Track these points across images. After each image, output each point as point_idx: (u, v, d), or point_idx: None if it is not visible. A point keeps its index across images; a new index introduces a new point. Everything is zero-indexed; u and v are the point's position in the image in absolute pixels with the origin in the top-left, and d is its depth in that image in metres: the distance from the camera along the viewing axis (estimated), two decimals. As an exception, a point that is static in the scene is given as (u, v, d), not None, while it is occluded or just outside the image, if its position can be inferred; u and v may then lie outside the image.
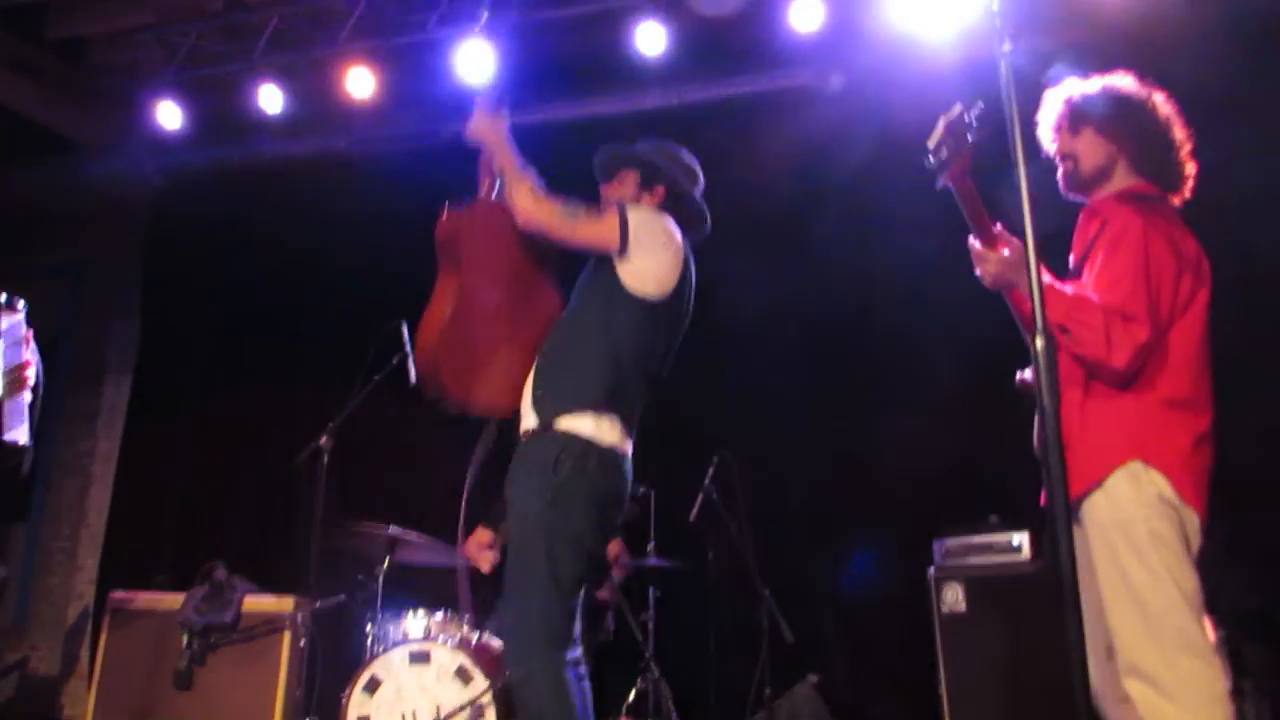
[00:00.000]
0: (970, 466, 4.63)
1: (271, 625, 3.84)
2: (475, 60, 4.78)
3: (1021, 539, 3.84)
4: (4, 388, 2.92)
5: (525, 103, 5.10)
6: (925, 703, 4.01)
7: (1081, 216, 2.41)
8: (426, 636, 3.83)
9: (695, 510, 4.33)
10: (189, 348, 6.37)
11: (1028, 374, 2.42)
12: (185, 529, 6.08)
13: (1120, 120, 2.37)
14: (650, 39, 4.81)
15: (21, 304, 3.09)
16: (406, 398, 4.08)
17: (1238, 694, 2.19)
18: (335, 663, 4.18)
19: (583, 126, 5.37)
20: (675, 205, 2.85)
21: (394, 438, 5.29)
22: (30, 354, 3.09)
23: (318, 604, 3.96)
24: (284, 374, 5.74)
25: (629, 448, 2.66)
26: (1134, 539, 2.13)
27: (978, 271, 2.29)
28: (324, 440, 4.08)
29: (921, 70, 4.47)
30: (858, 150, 4.76)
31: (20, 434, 2.95)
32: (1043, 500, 2.19)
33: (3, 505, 6.35)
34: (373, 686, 3.68)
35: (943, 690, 3.80)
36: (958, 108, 1.99)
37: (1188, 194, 2.42)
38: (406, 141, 5.65)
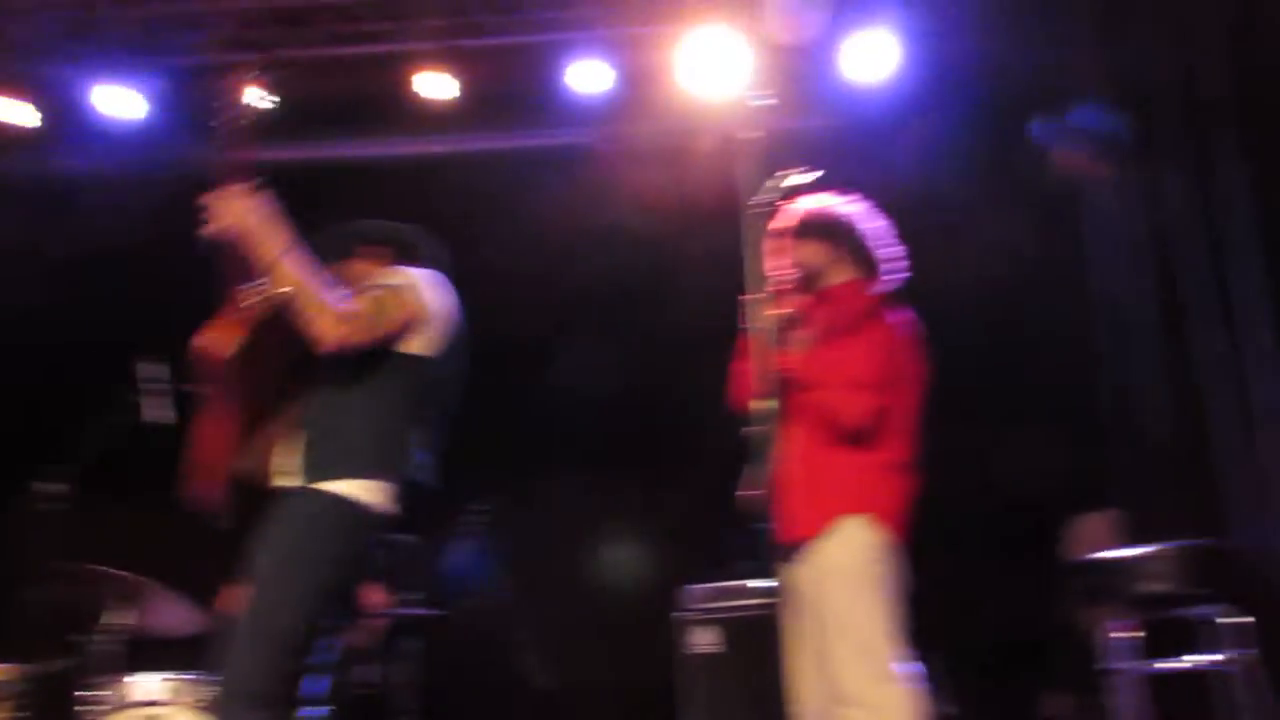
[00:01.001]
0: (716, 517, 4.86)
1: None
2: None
3: (765, 584, 4.04)
4: None
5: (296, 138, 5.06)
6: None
7: (812, 300, 2.73)
8: (159, 700, 3.56)
9: (459, 558, 4.32)
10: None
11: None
12: None
13: (834, 229, 2.77)
14: (436, 86, 4.90)
15: None
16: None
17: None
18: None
19: (361, 167, 5.34)
20: (408, 255, 2.79)
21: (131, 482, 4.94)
22: None
23: (31, 669, 3.62)
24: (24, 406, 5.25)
25: (393, 508, 2.56)
26: (858, 582, 2.47)
27: None
28: (54, 486, 3.79)
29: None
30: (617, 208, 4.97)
31: None
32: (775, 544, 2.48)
33: None
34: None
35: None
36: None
37: (896, 277, 2.81)
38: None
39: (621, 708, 4.95)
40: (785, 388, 2.52)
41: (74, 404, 3.89)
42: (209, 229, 2.36)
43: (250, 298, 2.46)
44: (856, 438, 2.52)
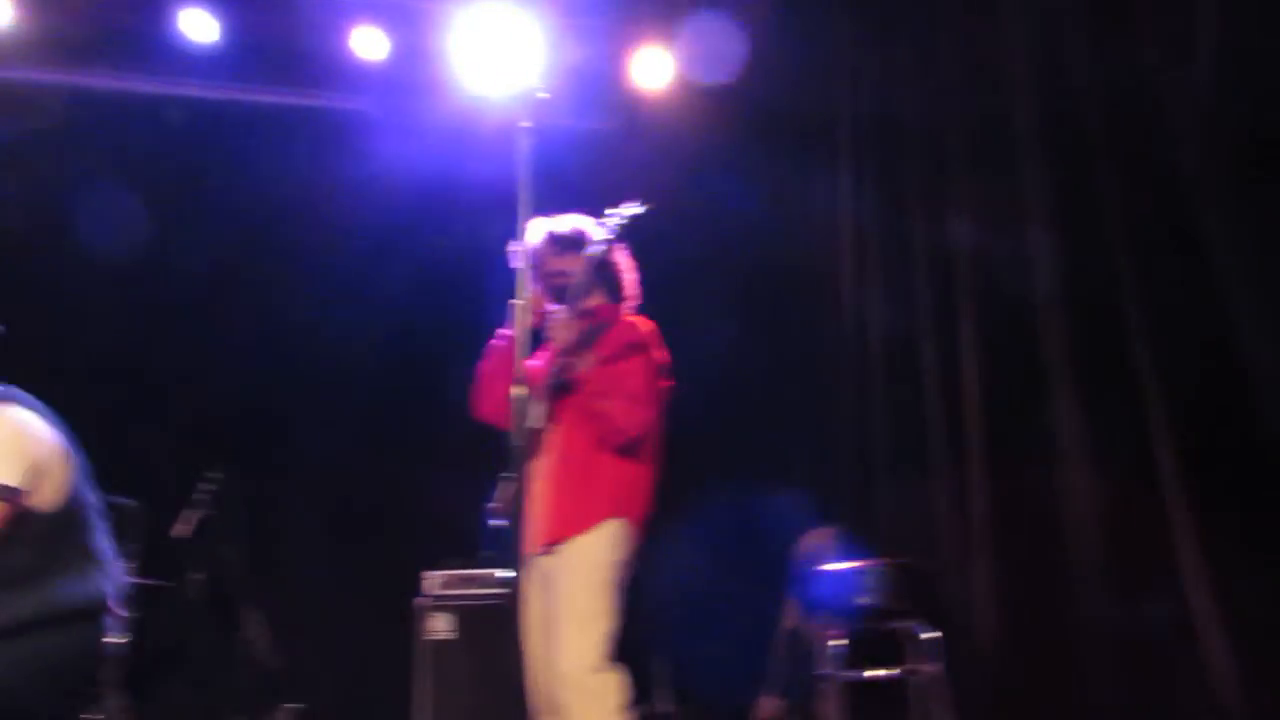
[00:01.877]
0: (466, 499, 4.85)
1: None
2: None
3: (510, 574, 4.06)
4: None
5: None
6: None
7: (571, 315, 2.78)
8: None
9: (187, 527, 4.09)
10: None
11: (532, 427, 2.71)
12: None
13: (592, 248, 2.82)
14: (199, 27, 4.67)
15: None
16: None
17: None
18: None
19: (113, 99, 4.95)
20: None
21: None
22: None
23: None
24: None
25: None
26: (602, 578, 2.62)
27: None
28: None
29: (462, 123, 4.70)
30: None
31: None
32: (525, 542, 2.58)
33: None
34: None
35: (425, 716, 3.90)
36: None
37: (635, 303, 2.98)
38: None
39: (360, 692, 4.85)
40: (558, 393, 2.68)
41: None
42: None
43: None
44: (629, 447, 2.67)
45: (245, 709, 4.12)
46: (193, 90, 4.91)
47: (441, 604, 4.01)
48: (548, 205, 2.76)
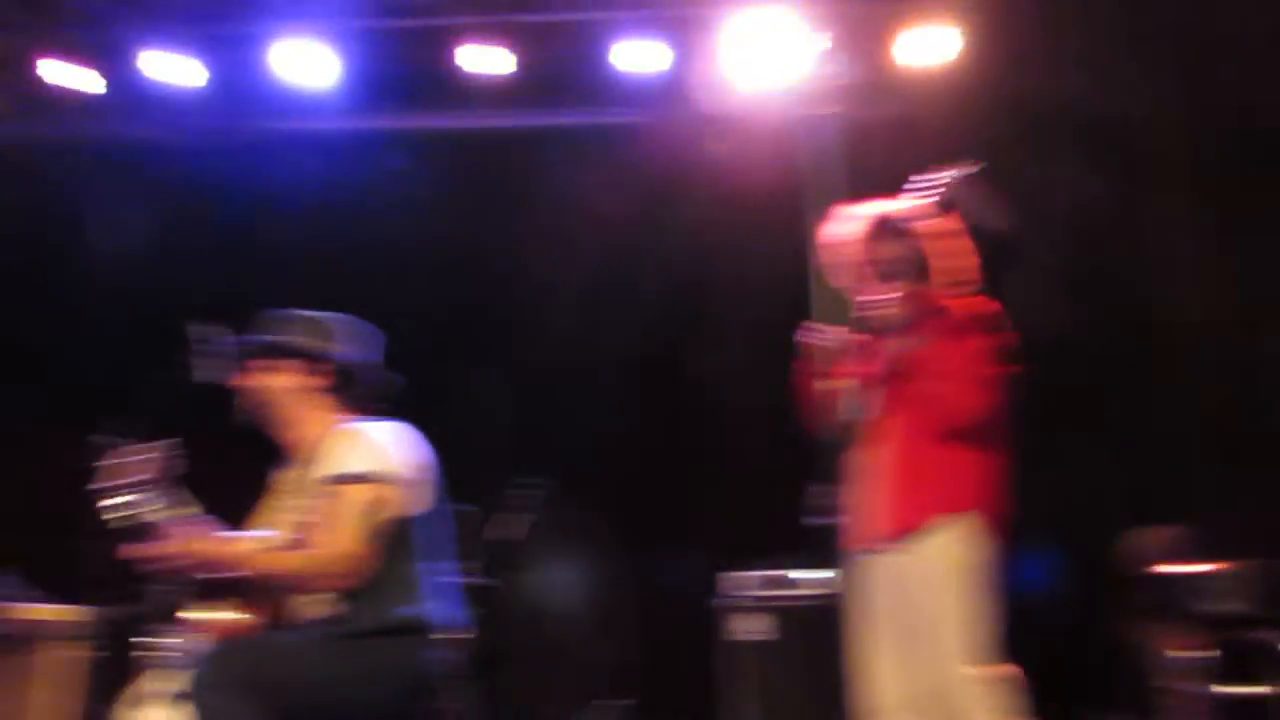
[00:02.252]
0: (763, 502, 4.88)
1: (50, 636, 3.64)
2: (304, 60, 4.80)
3: (813, 574, 4.04)
4: None
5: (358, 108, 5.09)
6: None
7: (910, 302, 2.65)
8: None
9: (516, 530, 4.37)
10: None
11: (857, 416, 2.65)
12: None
13: (917, 232, 2.69)
14: (488, 60, 4.92)
15: None
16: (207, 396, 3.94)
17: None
18: (121, 676, 3.99)
19: (413, 139, 5.36)
20: (346, 382, 2.65)
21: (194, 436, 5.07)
22: None
23: (104, 613, 3.78)
24: (70, 368, 5.42)
25: None
26: (959, 582, 2.44)
27: None
28: (113, 438, 3.90)
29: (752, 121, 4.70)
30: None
31: None
32: (854, 538, 2.53)
33: None
34: (138, 702, 3.52)
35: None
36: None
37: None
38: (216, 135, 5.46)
39: (662, 690, 5.00)
40: (886, 381, 2.55)
41: (138, 362, 3.98)
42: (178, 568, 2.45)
43: None
44: (969, 434, 2.50)
45: (573, 704, 4.33)
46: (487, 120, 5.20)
47: (747, 604, 4.04)
48: (841, 196, 2.69)
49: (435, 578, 2.65)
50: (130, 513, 2.25)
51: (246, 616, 2.49)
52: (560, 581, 4.40)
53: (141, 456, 2.25)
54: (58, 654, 3.67)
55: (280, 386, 2.57)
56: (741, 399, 4.97)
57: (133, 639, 3.90)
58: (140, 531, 2.31)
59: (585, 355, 5.16)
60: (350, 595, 2.48)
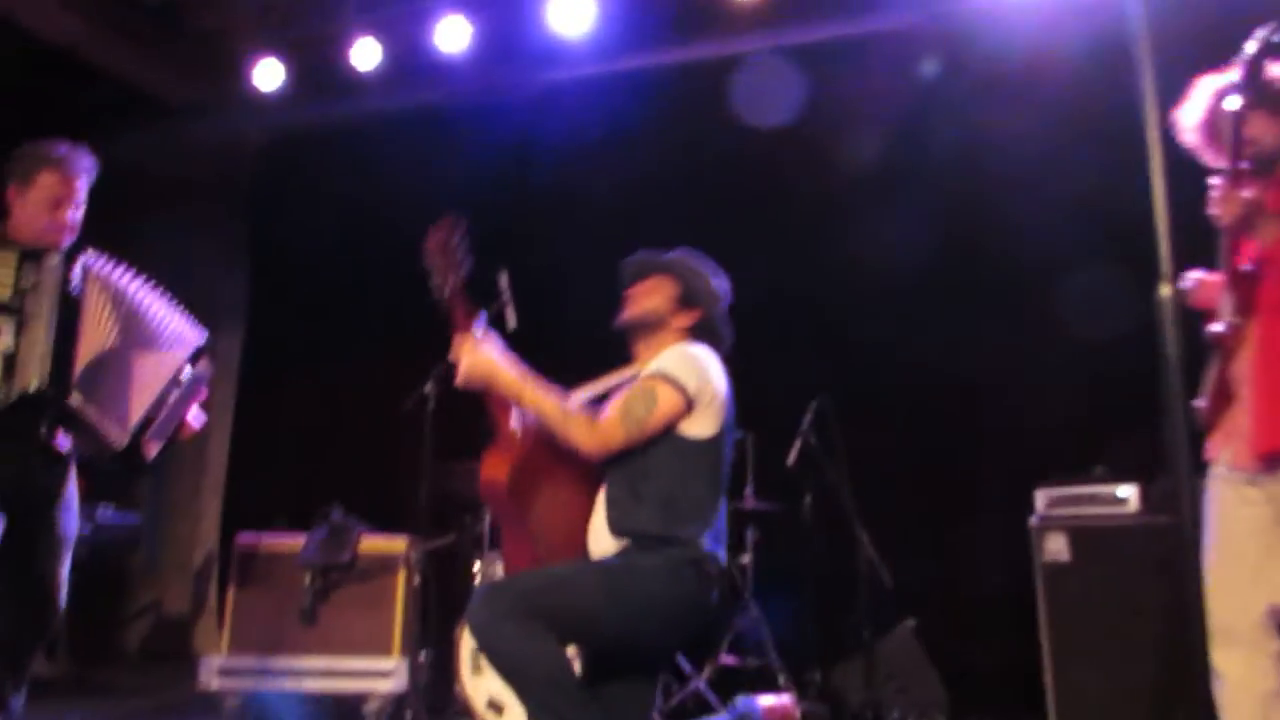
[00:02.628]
0: (1079, 416, 4.60)
1: (386, 564, 4.02)
2: (570, 9, 4.86)
3: (1129, 491, 3.77)
4: (171, 415, 3.15)
5: (623, 48, 5.17)
6: (1024, 653, 4.01)
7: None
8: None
9: (793, 454, 4.36)
10: (296, 300, 6.58)
11: (1219, 327, 2.39)
12: (300, 474, 6.34)
13: None
14: None
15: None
16: (509, 343, 4.21)
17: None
18: (446, 599, 4.37)
19: (678, 71, 5.38)
20: (706, 330, 2.76)
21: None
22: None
23: (428, 544, 4.12)
24: (390, 322, 5.91)
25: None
26: None
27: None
28: (429, 386, 4.24)
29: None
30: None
31: (155, 449, 3.17)
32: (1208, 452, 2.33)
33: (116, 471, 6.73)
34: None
35: (1044, 640, 3.78)
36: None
37: None
38: (499, 94, 5.71)
39: (974, 613, 4.86)
40: (1252, 282, 2.30)
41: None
42: (459, 382, 2.54)
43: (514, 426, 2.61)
44: None
45: (865, 625, 4.30)
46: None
47: (1061, 523, 3.83)
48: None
49: (722, 503, 2.68)
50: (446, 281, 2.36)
51: (501, 464, 2.56)
52: (847, 503, 4.34)
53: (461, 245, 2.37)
54: (395, 579, 4.04)
55: (653, 308, 2.72)
56: (1039, 303, 4.69)
57: (458, 564, 4.31)
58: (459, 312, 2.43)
59: (880, 268, 5.03)
60: (640, 517, 2.54)
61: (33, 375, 2.86)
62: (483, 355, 2.49)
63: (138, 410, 3.08)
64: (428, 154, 5.72)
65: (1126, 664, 3.58)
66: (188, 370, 3.22)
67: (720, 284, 2.80)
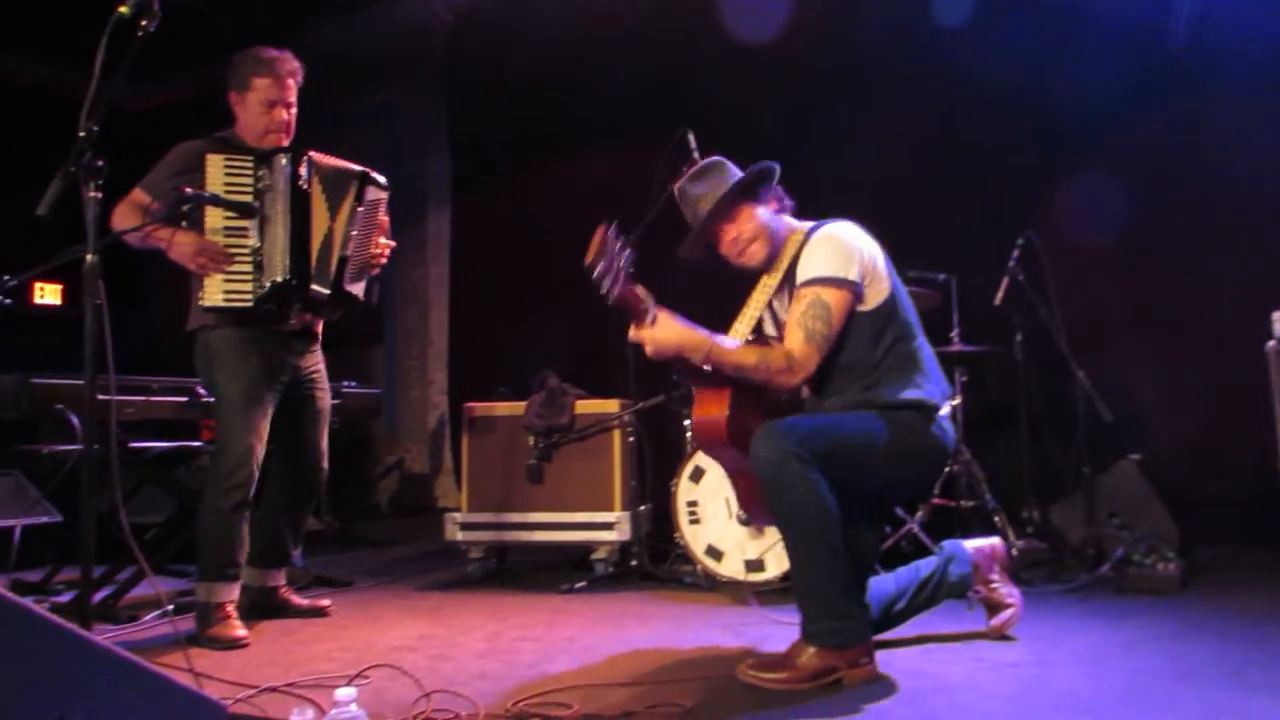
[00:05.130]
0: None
1: (602, 425, 4.24)
2: None
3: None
4: (354, 248, 3.35)
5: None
6: (1259, 485, 3.81)
7: None
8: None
9: (1001, 293, 4.23)
10: (497, 174, 6.81)
11: None
12: (514, 341, 6.69)
13: None
14: None
15: (383, 181, 3.48)
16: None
17: None
18: (659, 456, 4.58)
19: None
20: (782, 202, 2.85)
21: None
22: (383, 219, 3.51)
23: (639, 404, 4.30)
24: (588, 189, 6.03)
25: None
26: None
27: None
28: (628, 253, 4.33)
29: None
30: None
31: (359, 288, 3.41)
32: None
33: (364, 331, 7.30)
34: (697, 475, 4.02)
35: (1283, 468, 3.58)
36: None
37: None
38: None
39: (1204, 445, 4.65)
40: None
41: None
42: (650, 355, 2.58)
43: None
44: None
45: (1085, 462, 4.21)
46: None
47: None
48: None
49: (923, 342, 2.77)
50: (613, 284, 2.41)
51: (714, 408, 2.66)
52: (1060, 340, 4.20)
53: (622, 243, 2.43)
54: (611, 438, 4.27)
55: (749, 228, 2.77)
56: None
57: (675, 421, 4.49)
58: (623, 304, 2.49)
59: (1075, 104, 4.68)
60: (854, 383, 2.67)
61: (279, 268, 3.15)
62: (664, 331, 2.54)
63: (334, 259, 3.28)
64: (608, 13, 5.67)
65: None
66: (360, 205, 3.35)
67: (757, 167, 2.79)
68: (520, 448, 4.30)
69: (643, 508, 4.39)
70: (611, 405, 4.32)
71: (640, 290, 2.54)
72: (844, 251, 2.65)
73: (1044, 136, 4.92)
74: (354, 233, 3.33)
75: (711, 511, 3.96)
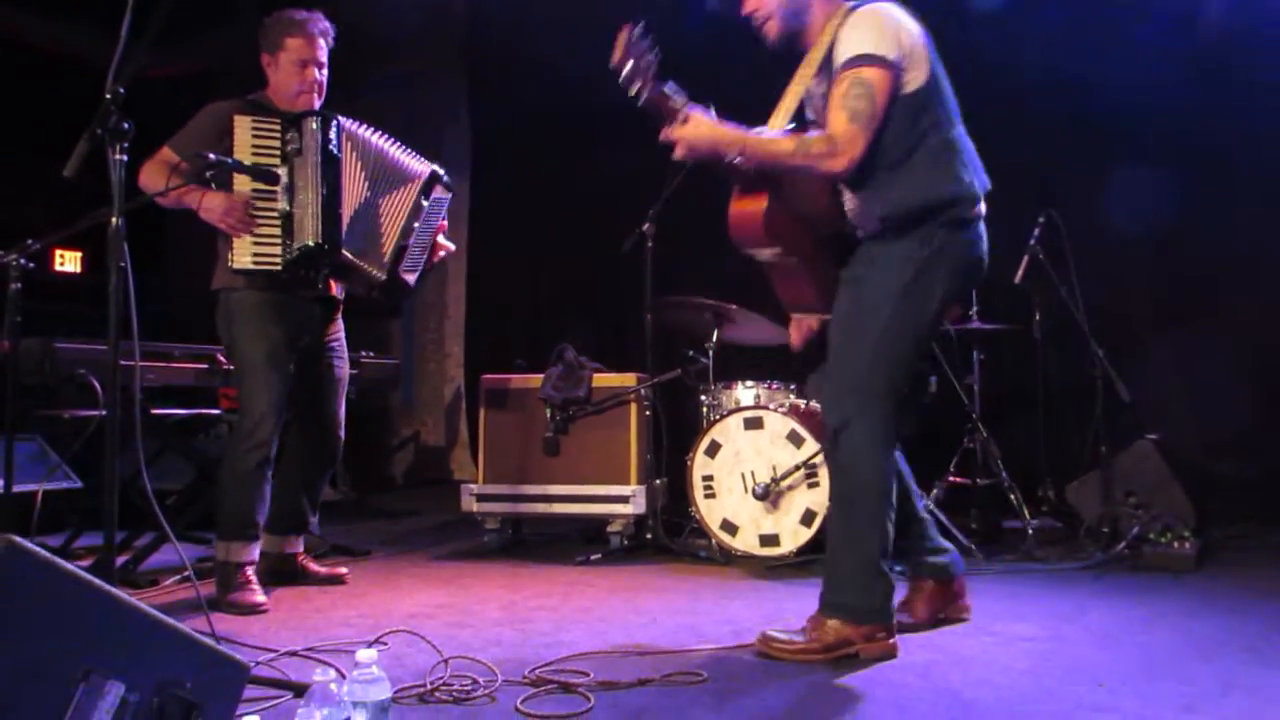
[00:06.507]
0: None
1: (618, 398, 4.24)
2: None
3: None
4: (418, 242, 3.42)
5: None
6: (1277, 464, 3.79)
7: None
8: (758, 404, 4.11)
9: (1021, 271, 4.20)
10: (516, 147, 6.79)
11: None
12: (531, 315, 6.70)
13: None
14: None
15: (449, 182, 3.55)
16: (717, 182, 4.22)
17: None
18: (675, 430, 4.59)
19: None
20: None
21: (711, 220, 5.47)
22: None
23: (655, 378, 4.31)
24: (607, 165, 6.01)
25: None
26: None
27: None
28: (647, 226, 4.34)
29: None
30: None
31: (412, 278, 3.46)
32: None
33: (383, 306, 7.32)
34: (713, 450, 4.03)
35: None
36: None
37: None
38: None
39: (1222, 426, 4.63)
40: None
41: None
42: (679, 156, 2.50)
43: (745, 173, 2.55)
44: None
45: (1102, 441, 4.19)
46: None
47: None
48: None
49: (961, 130, 2.64)
50: (641, 84, 2.41)
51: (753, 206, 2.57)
52: (1080, 319, 4.17)
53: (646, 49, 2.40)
54: (627, 411, 4.28)
55: (764, 5, 2.64)
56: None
57: (691, 396, 4.50)
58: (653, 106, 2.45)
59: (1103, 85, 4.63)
60: (894, 172, 2.53)
61: (309, 232, 3.15)
62: (695, 129, 2.45)
63: (389, 244, 3.36)
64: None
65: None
66: (425, 200, 3.43)
67: None
68: (537, 420, 4.32)
69: (658, 481, 4.40)
70: (628, 379, 4.33)
71: (670, 87, 2.46)
72: (885, 28, 2.51)
73: (1074, 117, 4.88)
74: (416, 224, 3.40)
75: (727, 486, 3.97)
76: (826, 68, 2.58)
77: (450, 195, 3.57)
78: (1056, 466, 4.55)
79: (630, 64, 2.33)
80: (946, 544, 2.86)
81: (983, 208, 2.64)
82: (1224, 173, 4.64)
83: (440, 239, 3.58)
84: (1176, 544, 3.61)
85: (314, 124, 3.18)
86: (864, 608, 2.49)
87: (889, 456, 2.55)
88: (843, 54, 2.50)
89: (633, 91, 2.36)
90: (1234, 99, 4.62)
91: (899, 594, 2.66)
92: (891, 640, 2.50)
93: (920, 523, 2.83)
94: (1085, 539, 4.01)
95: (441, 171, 3.49)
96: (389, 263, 3.34)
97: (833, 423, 2.55)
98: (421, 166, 3.46)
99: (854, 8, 2.60)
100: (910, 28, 2.55)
